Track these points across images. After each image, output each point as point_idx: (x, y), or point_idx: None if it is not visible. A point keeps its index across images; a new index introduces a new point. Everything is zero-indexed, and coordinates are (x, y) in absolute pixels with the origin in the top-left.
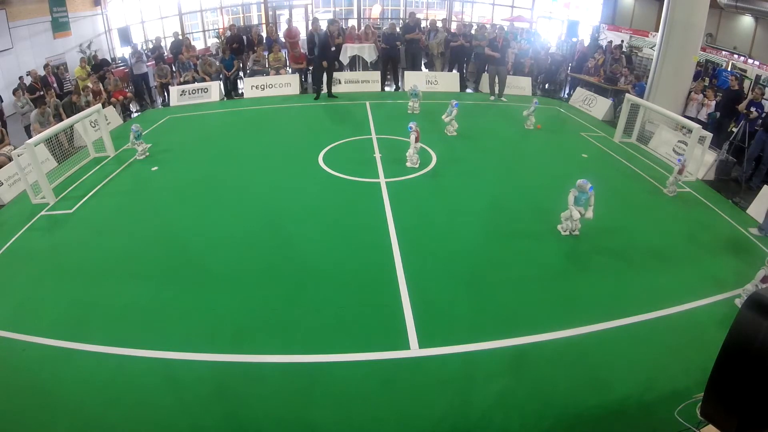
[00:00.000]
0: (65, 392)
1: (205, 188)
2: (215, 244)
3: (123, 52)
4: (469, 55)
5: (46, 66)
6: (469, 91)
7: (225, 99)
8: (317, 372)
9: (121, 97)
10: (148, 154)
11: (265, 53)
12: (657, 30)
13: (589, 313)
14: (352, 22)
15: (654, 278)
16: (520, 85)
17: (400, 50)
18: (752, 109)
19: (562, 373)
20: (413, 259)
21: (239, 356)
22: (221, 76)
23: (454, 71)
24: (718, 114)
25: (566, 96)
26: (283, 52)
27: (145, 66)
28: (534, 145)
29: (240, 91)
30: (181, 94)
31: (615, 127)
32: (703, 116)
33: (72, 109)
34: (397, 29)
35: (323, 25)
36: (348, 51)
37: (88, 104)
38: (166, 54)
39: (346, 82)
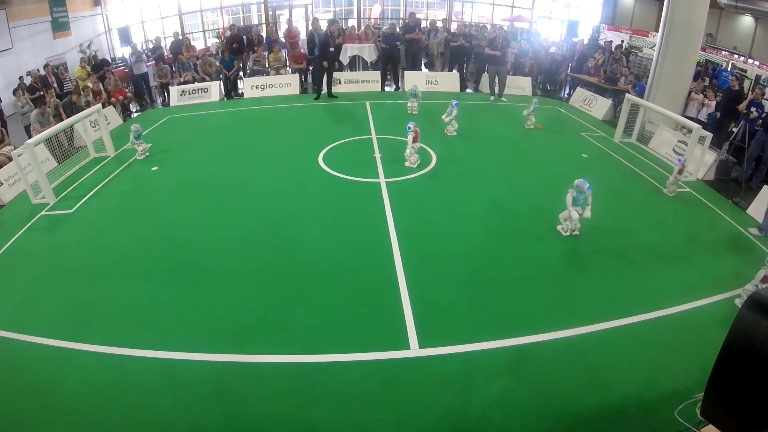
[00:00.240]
0: (65, 392)
1: (205, 188)
2: (215, 244)
3: (123, 52)
4: (469, 55)
5: (46, 66)
6: (469, 91)
7: (225, 99)
8: (317, 372)
9: (121, 97)
10: (148, 154)
11: (265, 53)
12: (657, 30)
13: (589, 313)
14: (352, 22)
15: (654, 278)
16: (520, 85)
17: (400, 50)
18: (752, 109)
19: (562, 373)
20: (413, 259)
21: (239, 356)
22: (221, 76)
23: (454, 71)
24: (718, 114)
25: (566, 96)
26: (283, 52)
27: (145, 66)
28: (534, 145)
29: (240, 91)
30: (181, 94)
31: (615, 127)
32: (703, 116)
33: (72, 109)
34: (397, 29)
35: (323, 25)
36: (348, 51)
37: (88, 104)
38: (166, 54)
39: (346, 82)
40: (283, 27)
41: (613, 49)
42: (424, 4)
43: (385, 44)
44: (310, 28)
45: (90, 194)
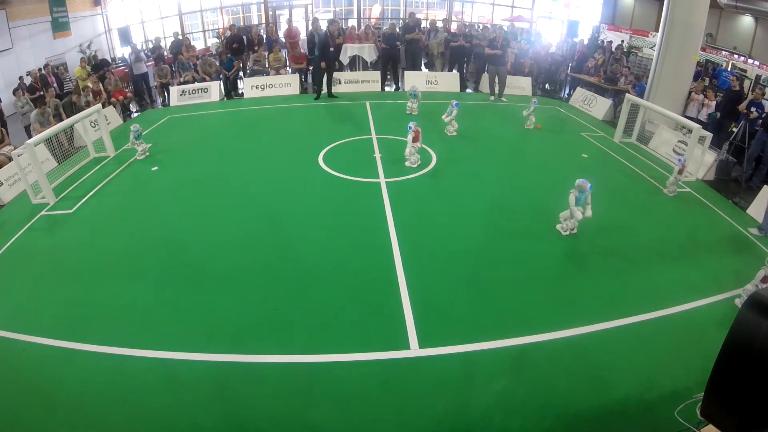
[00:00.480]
0: (65, 392)
1: (205, 188)
2: (215, 244)
3: (123, 52)
4: (469, 55)
5: (46, 66)
6: (469, 91)
7: (225, 99)
8: (317, 372)
9: (121, 97)
10: (148, 154)
11: (266, 53)
12: (657, 30)
13: (589, 313)
14: (352, 22)
15: (654, 278)
16: (520, 85)
17: (400, 50)
18: (752, 109)
19: (562, 373)
20: (413, 259)
21: (239, 356)
22: (221, 76)
23: (454, 71)
24: (718, 114)
25: (566, 96)
26: (284, 52)
27: (145, 66)
28: (534, 145)
29: (240, 91)
30: (181, 94)
31: (615, 127)
32: (703, 116)
33: (72, 109)
34: (397, 29)
35: (323, 25)
36: (348, 51)
37: (88, 104)
38: (166, 54)
39: (346, 82)
40: (283, 27)
41: (613, 49)
42: (424, 4)
43: (385, 44)
44: (310, 28)
45: (90, 194)
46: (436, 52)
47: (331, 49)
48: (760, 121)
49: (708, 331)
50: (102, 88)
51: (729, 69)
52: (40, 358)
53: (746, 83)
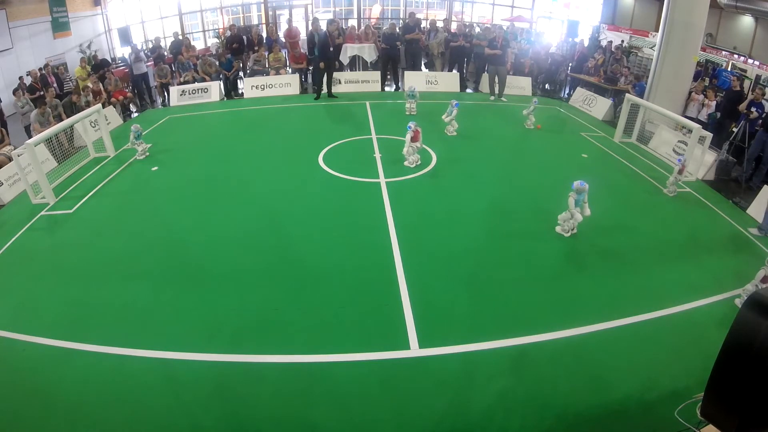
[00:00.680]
0: (65, 392)
1: (205, 188)
2: (215, 244)
3: (123, 52)
4: (469, 55)
5: (46, 66)
6: (469, 91)
7: (225, 99)
8: (317, 372)
9: (121, 97)
10: (148, 154)
11: (266, 53)
12: (657, 30)
13: (589, 313)
14: (352, 22)
15: (654, 278)
16: (520, 85)
17: (400, 50)
18: (752, 109)
19: (562, 373)
20: (413, 259)
21: (239, 356)
22: (221, 76)
23: (454, 71)
24: (718, 114)
25: (566, 96)
26: (284, 52)
27: (145, 66)
28: (534, 145)
29: (240, 91)
30: (181, 94)
31: (615, 127)
32: (703, 116)
33: (72, 109)
34: (397, 29)
35: (323, 25)
36: (348, 51)
37: (88, 104)
38: (166, 54)
39: (346, 82)
40: (283, 27)
41: (613, 49)
42: (424, 4)
43: (385, 44)
44: (310, 28)
45: (90, 194)
46: (436, 52)
47: (331, 49)
48: (760, 121)
49: (708, 331)
50: (102, 88)
51: (729, 69)
52: (40, 358)
53: (746, 83)
